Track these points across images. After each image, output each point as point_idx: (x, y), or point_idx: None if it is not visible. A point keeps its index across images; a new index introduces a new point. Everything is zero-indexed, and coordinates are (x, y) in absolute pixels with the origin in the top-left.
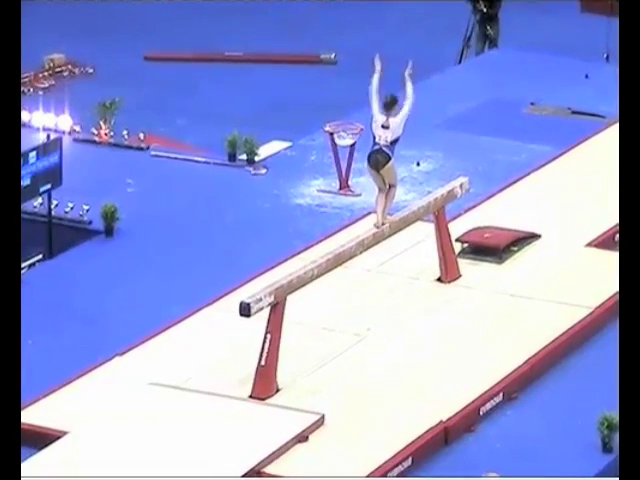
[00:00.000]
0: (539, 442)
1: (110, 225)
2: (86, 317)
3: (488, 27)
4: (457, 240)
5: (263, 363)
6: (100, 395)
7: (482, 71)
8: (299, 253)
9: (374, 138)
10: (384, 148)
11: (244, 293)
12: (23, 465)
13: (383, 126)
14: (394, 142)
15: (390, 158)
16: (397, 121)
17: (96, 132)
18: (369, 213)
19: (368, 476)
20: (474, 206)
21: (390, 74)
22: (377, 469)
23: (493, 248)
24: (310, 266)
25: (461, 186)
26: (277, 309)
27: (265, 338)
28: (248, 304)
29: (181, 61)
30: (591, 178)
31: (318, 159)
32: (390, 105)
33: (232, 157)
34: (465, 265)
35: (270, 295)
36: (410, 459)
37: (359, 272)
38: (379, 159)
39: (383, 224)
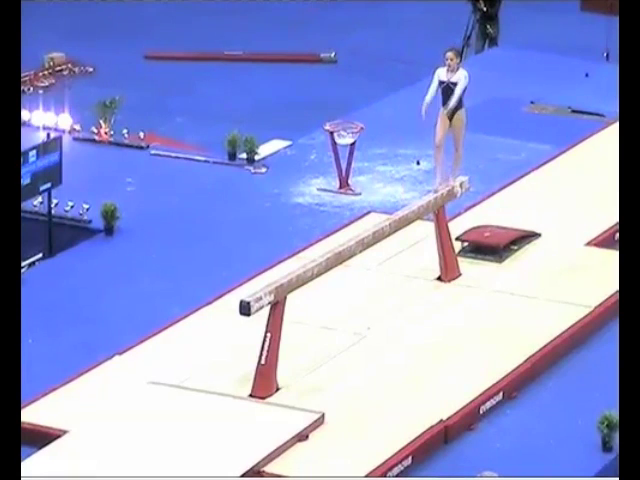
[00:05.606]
0: (539, 441)
1: (110, 224)
2: (86, 316)
3: (488, 26)
4: (457, 239)
5: (263, 362)
6: (100, 394)
7: (482, 70)
8: (299, 252)
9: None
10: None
11: (244, 292)
12: (23, 464)
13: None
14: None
15: (461, 105)
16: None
17: (96, 131)
18: (369, 212)
19: (368, 475)
20: (474, 205)
21: (390, 73)
22: (377, 468)
23: (493, 247)
24: (310, 265)
25: (461, 185)
26: (277, 308)
27: (265, 337)
28: (248, 303)
29: (181, 60)
30: (591, 177)
31: (318, 158)
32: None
33: (232, 156)
34: (465, 264)
35: (270, 294)
36: (410, 458)
37: (359, 271)
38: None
39: (438, 190)
